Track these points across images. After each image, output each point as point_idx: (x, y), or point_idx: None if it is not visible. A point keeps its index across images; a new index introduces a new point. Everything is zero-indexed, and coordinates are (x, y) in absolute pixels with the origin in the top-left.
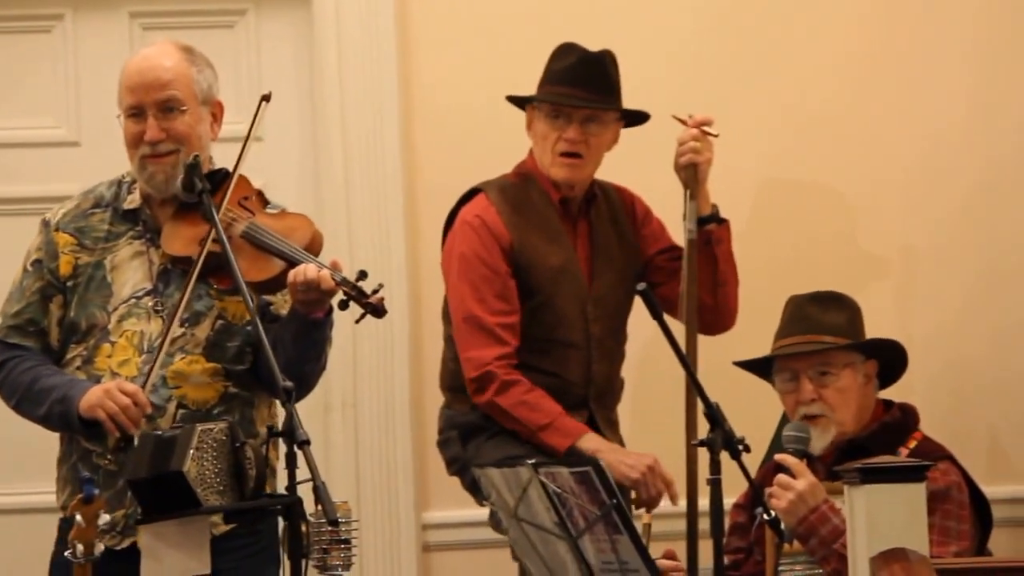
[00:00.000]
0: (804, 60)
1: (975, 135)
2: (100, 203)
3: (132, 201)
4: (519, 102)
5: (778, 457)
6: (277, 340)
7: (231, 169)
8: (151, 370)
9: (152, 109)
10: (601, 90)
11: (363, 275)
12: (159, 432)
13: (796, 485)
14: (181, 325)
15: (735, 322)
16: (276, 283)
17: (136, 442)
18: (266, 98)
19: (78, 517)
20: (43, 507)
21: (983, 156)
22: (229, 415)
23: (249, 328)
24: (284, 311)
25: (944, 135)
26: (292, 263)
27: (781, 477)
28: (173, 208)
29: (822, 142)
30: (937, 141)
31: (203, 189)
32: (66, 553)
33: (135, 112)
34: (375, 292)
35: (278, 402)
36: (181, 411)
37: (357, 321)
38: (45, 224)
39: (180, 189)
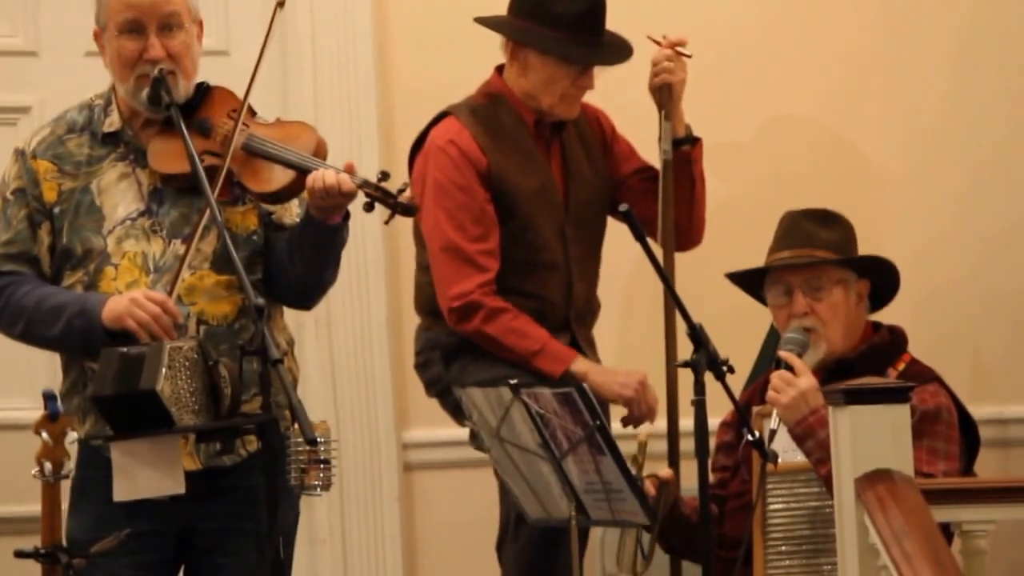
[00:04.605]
0: None
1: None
2: (74, 128)
3: (112, 124)
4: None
5: (782, 353)
6: (292, 249)
7: (244, 86)
8: (172, 287)
9: (154, 26)
10: (606, 33)
11: (385, 175)
12: (124, 349)
13: (799, 383)
14: (183, 241)
15: (703, 239)
16: (288, 192)
17: (100, 358)
18: (280, 4)
19: (44, 435)
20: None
21: (956, 74)
22: (247, 330)
23: (255, 239)
24: (286, 219)
25: (918, 60)
26: (303, 171)
27: (783, 373)
28: (156, 127)
29: (799, 71)
30: (912, 65)
31: (169, 103)
32: (33, 472)
33: (133, 29)
34: (401, 191)
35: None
36: (202, 327)
37: (386, 222)
38: (20, 153)
39: (145, 103)
